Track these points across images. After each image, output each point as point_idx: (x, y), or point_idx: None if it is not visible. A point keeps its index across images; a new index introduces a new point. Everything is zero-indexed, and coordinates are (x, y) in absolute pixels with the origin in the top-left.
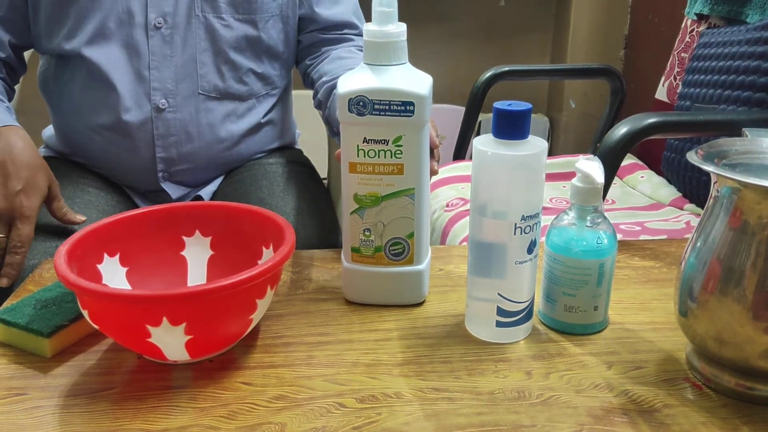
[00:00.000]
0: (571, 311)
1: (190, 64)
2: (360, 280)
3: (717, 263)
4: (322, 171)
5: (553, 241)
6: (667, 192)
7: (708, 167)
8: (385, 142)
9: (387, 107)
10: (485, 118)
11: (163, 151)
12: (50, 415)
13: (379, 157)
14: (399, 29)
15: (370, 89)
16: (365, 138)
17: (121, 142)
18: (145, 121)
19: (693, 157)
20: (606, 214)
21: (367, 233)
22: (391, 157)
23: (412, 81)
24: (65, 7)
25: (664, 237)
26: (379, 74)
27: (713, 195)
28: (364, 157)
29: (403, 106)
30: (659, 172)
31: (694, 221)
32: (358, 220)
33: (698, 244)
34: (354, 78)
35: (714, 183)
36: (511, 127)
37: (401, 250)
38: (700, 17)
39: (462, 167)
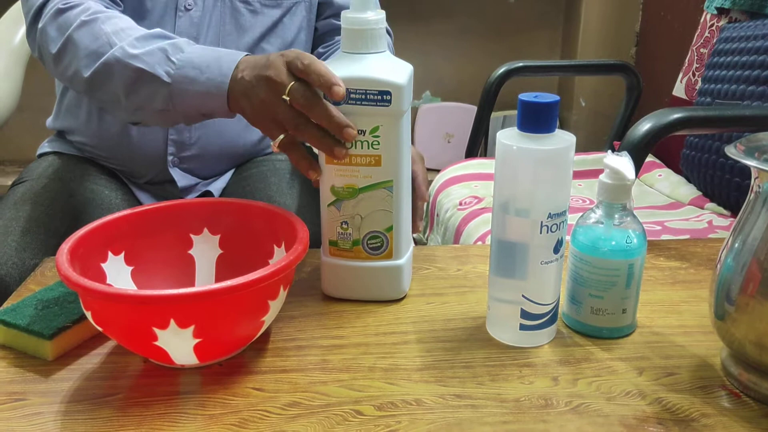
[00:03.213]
0: (598, 314)
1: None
2: (338, 275)
3: (757, 263)
4: None
5: (580, 241)
6: (687, 191)
7: (749, 162)
8: (362, 132)
9: (363, 96)
10: (494, 116)
11: (176, 134)
12: (51, 421)
13: (355, 147)
14: (378, 16)
15: (345, 78)
16: None
17: None
18: None
19: (732, 151)
20: None
21: (344, 226)
22: (368, 148)
23: (390, 70)
24: None
25: (686, 237)
26: (356, 63)
27: (754, 191)
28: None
29: (380, 96)
30: (677, 171)
31: (717, 220)
32: (335, 212)
33: (736, 244)
34: (330, 66)
35: (755, 178)
36: (538, 120)
37: (379, 244)
38: (721, 11)
39: (474, 165)
